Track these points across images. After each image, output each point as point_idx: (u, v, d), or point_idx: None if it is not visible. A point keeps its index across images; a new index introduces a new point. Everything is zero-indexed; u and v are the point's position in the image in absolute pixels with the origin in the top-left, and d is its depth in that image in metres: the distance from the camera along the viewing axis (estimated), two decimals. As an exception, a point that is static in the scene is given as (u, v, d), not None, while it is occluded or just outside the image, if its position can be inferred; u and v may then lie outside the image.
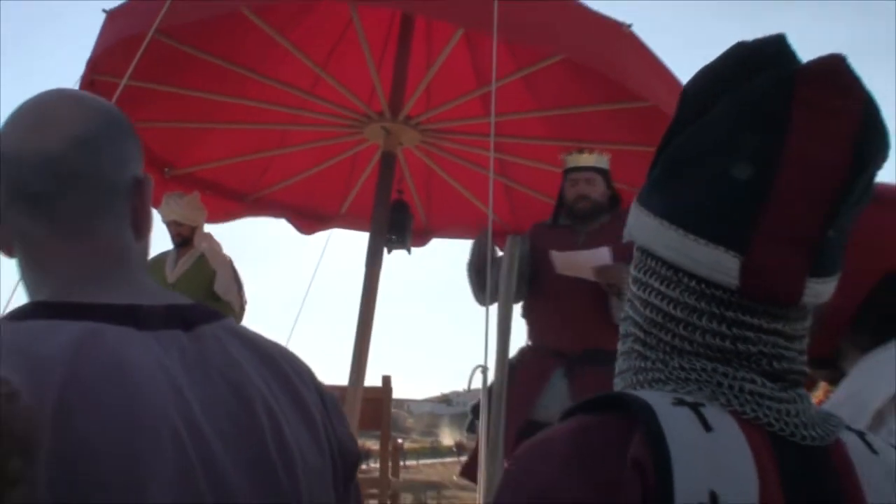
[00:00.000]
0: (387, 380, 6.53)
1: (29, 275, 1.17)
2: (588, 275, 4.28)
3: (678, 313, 1.09)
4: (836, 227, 1.04)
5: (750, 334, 1.06)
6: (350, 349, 5.06)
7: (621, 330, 1.19)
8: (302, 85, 5.26)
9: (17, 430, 0.91)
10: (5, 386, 0.92)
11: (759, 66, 1.06)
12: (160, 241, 5.86)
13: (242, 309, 5.68)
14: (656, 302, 1.11)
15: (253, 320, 5.58)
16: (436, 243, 6.78)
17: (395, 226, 5.43)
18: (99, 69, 4.49)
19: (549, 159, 5.73)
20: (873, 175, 1.07)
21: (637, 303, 1.15)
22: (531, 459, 1.04)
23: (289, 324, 6.52)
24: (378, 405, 6.48)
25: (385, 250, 5.33)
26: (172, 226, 5.63)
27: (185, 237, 5.65)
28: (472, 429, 4.70)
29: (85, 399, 0.98)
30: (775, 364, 1.07)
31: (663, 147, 1.14)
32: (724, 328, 1.06)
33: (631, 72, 4.34)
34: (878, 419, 1.57)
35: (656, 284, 1.11)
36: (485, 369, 3.82)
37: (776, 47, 1.08)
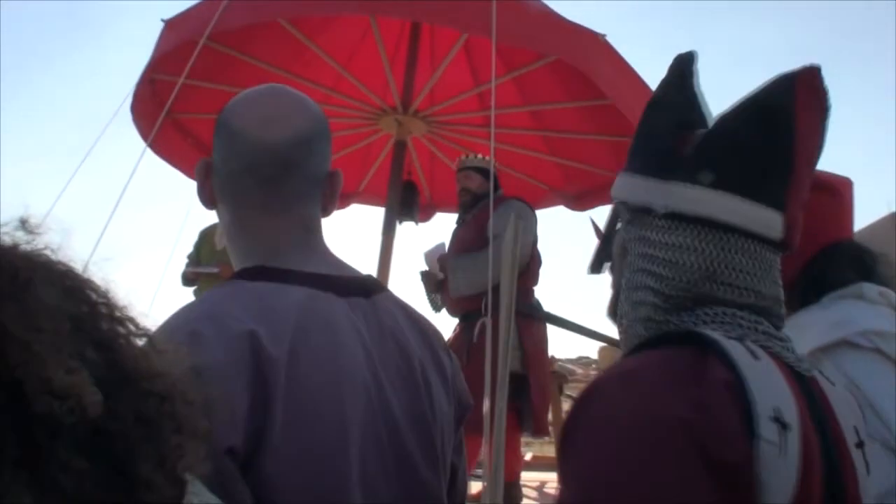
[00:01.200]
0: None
1: (240, 238, 1.22)
2: (436, 267, 4.71)
3: (724, 269, 1.11)
4: None
5: (779, 282, 1.15)
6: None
7: (637, 296, 1.18)
8: (326, 82, 5.32)
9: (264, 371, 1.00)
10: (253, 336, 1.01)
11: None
12: (210, 214, 5.85)
13: None
14: (698, 261, 1.12)
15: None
16: (439, 216, 6.89)
17: (405, 202, 5.50)
18: (158, 69, 4.57)
19: (536, 147, 5.83)
20: None
21: (665, 265, 1.14)
22: (616, 390, 1.03)
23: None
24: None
25: (397, 222, 5.42)
26: None
27: None
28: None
29: (309, 349, 1.06)
30: (778, 309, 1.15)
31: (704, 137, 1.18)
32: (767, 281, 1.13)
33: (604, 74, 4.43)
34: None
35: (702, 245, 1.12)
36: (486, 321, 3.93)
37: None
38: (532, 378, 4.63)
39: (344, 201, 6.64)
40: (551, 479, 7.22)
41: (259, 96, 1.23)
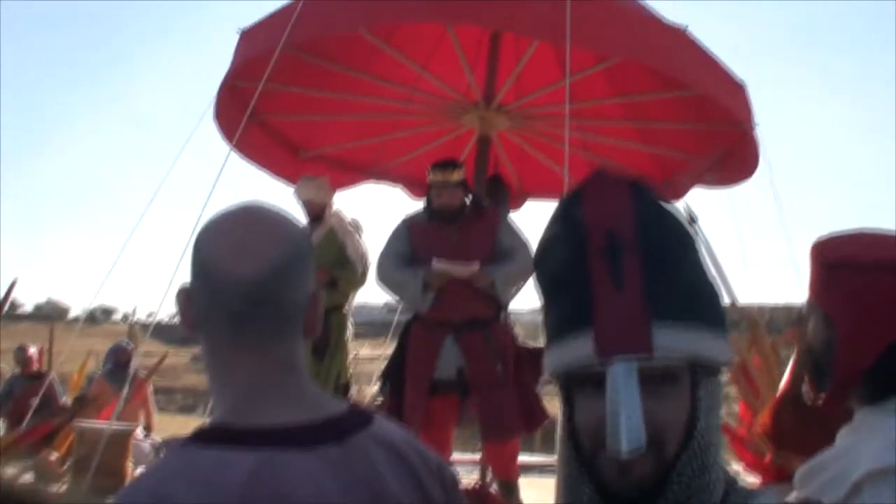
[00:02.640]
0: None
1: (214, 374, 1.17)
2: (463, 275, 4.38)
3: None
4: None
5: None
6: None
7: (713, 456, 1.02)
8: (407, 81, 5.30)
9: None
10: None
11: None
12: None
13: (366, 270, 5.56)
14: None
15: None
16: (529, 204, 6.88)
17: (493, 196, 5.41)
18: (239, 77, 4.66)
19: (624, 136, 5.71)
20: None
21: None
22: None
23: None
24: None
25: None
26: (307, 204, 5.37)
27: (317, 214, 5.40)
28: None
29: None
30: None
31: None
32: None
33: (686, 68, 4.33)
34: (856, 490, 1.46)
35: None
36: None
37: None
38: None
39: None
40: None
41: (230, 223, 1.15)
